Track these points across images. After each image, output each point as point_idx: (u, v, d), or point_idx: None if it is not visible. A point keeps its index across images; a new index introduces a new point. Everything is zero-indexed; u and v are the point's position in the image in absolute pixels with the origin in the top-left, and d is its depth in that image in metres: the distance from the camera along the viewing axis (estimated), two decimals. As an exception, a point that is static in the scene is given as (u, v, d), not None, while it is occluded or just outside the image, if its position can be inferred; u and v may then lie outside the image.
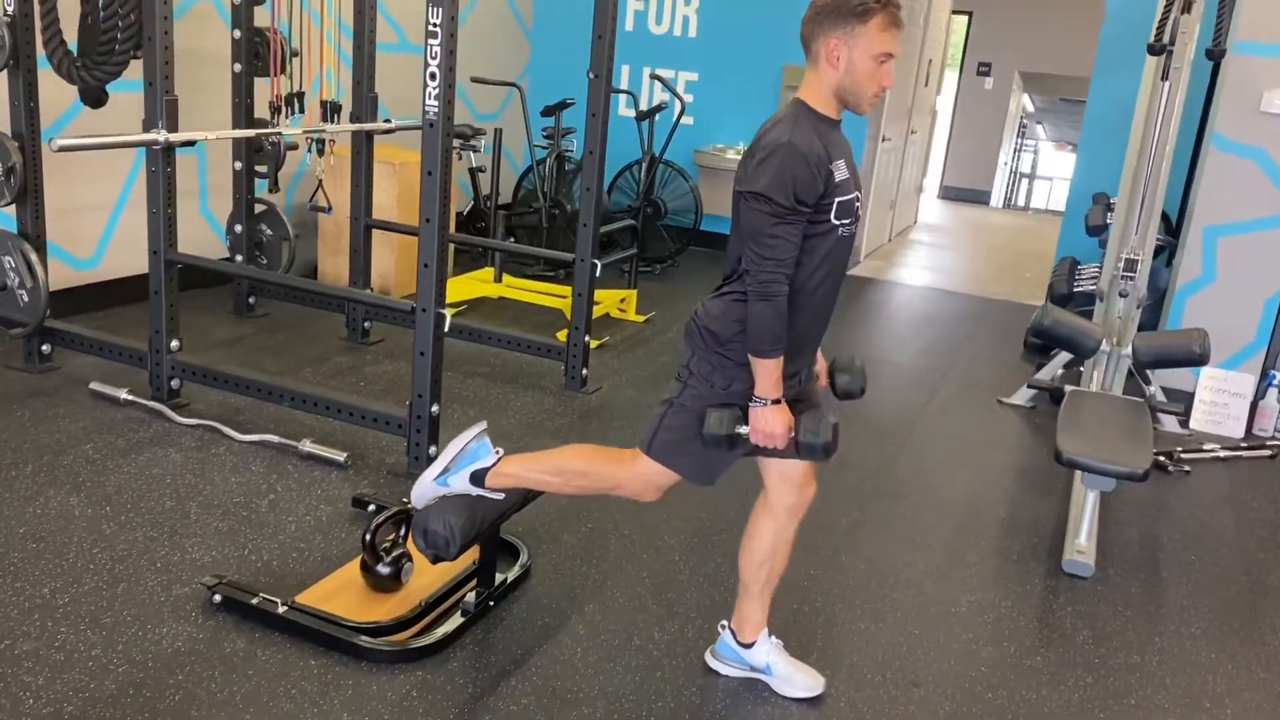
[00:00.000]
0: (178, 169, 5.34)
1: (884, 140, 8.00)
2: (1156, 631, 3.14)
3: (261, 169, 5.16)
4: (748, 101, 7.62)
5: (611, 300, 5.79)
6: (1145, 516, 3.95)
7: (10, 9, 3.85)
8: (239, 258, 5.25)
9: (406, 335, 5.05)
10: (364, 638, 2.64)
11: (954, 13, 11.53)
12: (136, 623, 2.68)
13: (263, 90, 4.95)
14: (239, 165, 5.10)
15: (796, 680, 2.65)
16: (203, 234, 5.53)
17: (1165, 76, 3.91)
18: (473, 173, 6.69)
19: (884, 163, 8.20)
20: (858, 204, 2.31)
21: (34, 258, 4.07)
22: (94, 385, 4.07)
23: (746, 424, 2.30)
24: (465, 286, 5.77)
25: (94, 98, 3.98)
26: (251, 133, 4.56)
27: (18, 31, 3.87)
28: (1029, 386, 4.46)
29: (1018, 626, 3.09)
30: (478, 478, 2.61)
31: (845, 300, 6.95)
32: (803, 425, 2.29)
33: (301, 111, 5.03)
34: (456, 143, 6.56)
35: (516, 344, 4.88)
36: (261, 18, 4.93)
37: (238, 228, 5.20)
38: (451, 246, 5.98)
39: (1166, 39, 3.81)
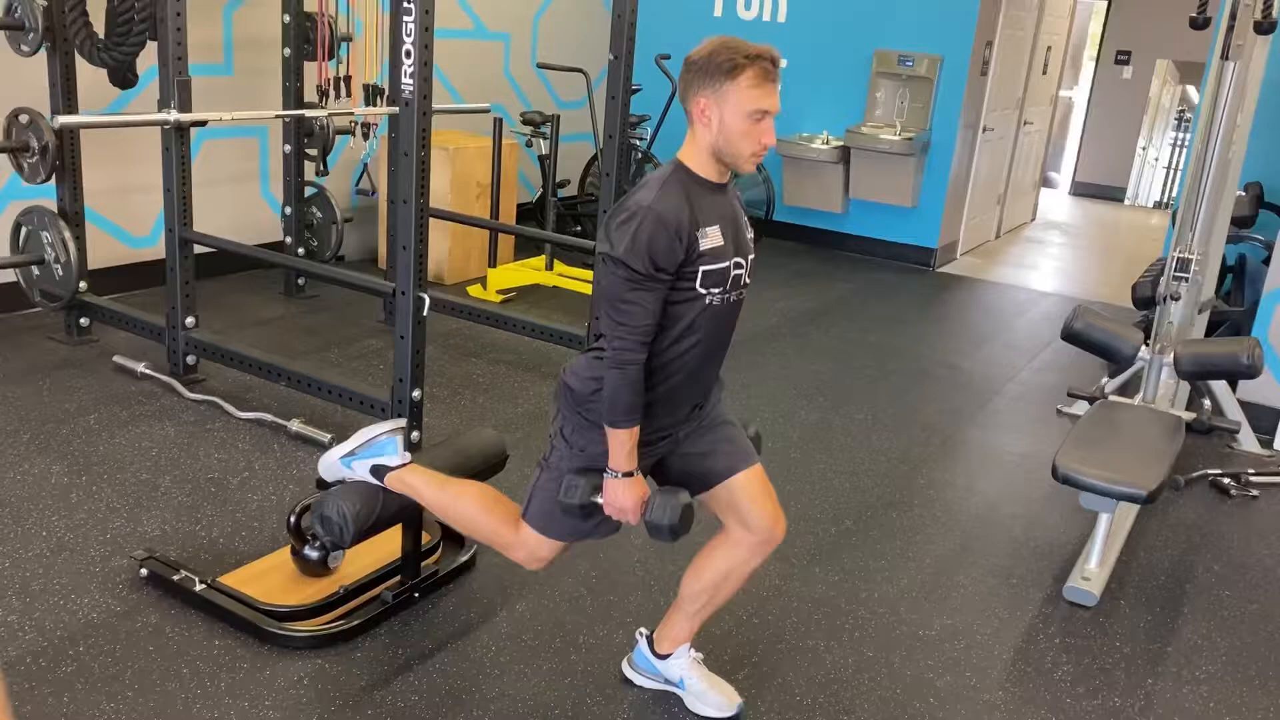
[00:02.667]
0: (239, 153, 5.54)
1: (985, 131, 7.56)
2: (1153, 673, 2.80)
3: (312, 153, 5.25)
4: (837, 89, 7.33)
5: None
6: (1183, 543, 3.56)
7: (47, -7, 4.00)
8: (289, 240, 5.35)
9: (444, 321, 5.07)
10: (269, 620, 2.60)
11: (1089, -3, 10.86)
12: (62, 592, 2.71)
13: (314, 75, 5.03)
14: (288, 149, 5.19)
15: (709, 698, 2.47)
16: (264, 216, 5.66)
17: (1227, 55, 3.49)
18: (542, 161, 6.64)
19: (986, 155, 7.75)
20: (737, 271, 2.17)
21: (68, 234, 4.22)
22: (116, 359, 4.19)
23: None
24: (516, 274, 5.73)
25: (120, 78, 4.10)
26: (270, 114, 4.63)
27: (54, 15, 4.01)
28: (1069, 395, 4.09)
29: (988, 656, 2.81)
30: (379, 472, 2.53)
31: (923, 298, 6.66)
32: (653, 504, 2.17)
33: (349, 95, 5.09)
34: (526, 130, 6.55)
35: (544, 333, 4.80)
36: (314, 3, 4.99)
37: (288, 210, 5.30)
38: (502, 235, 5.94)
39: (1217, 10, 3.39)
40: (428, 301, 3.54)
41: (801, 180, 7.40)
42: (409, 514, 2.70)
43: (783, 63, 2.09)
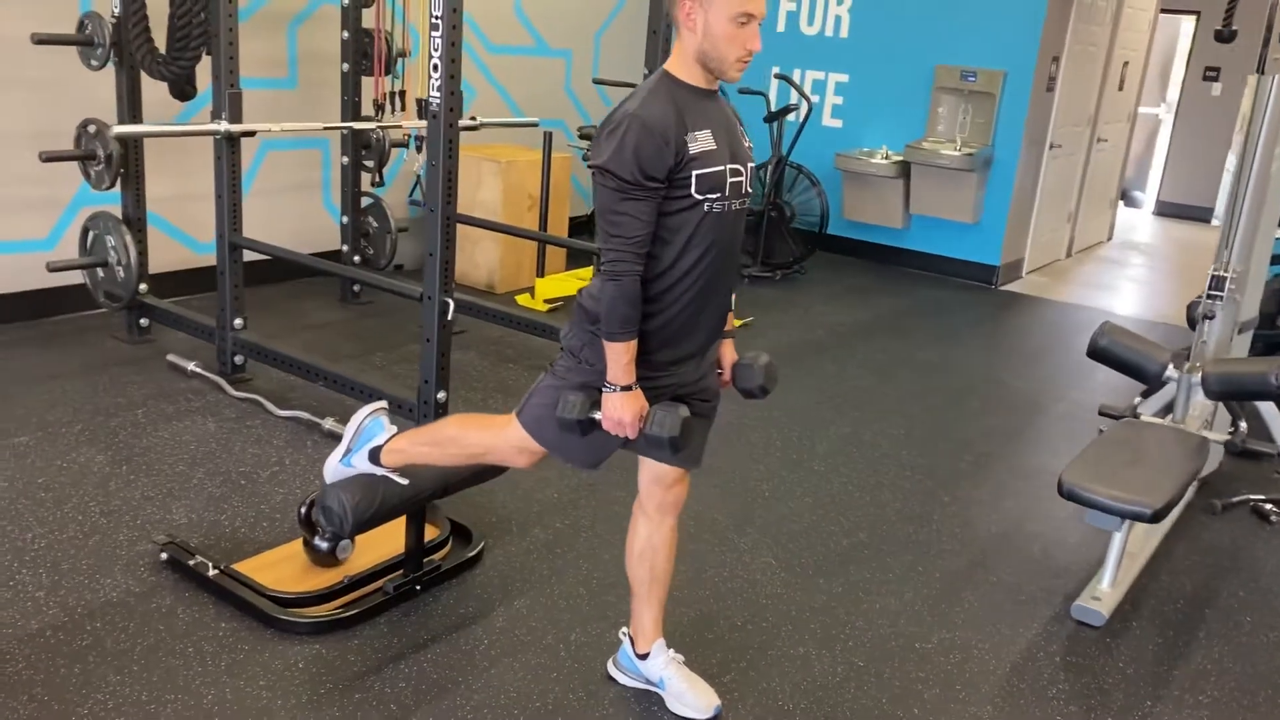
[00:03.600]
0: (302, 164, 5.76)
1: (1052, 147, 7.43)
2: (1154, 695, 2.74)
3: (369, 165, 5.43)
4: (898, 104, 7.29)
5: (703, 303, 5.68)
6: (1210, 566, 3.47)
7: (116, 11, 4.24)
8: (345, 248, 5.54)
9: (489, 328, 5.20)
10: (273, 606, 2.72)
11: (1174, 12, 10.59)
12: (88, 572, 2.87)
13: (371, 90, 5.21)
14: (346, 160, 5.38)
15: (688, 699, 2.50)
16: (325, 225, 5.87)
17: (1262, 69, 3.41)
18: (598, 173, 6.74)
19: (1053, 172, 7.61)
20: (735, 177, 2.14)
21: (129, 238, 4.45)
22: (170, 357, 4.40)
23: (600, 409, 2.20)
24: (563, 284, 5.83)
25: (180, 90, 4.31)
26: (318, 126, 4.80)
27: (122, 30, 4.25)
28: (1100, 414, 4.00)
29: (982, 671, 2.78)
30: (374, 456, 2.63)
31: (980, 316, 6.57)
32: (652, 415, 2.15)
33: (403, 109, 5.26)
34: (584, 144, 6.66)
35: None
36: (372, 19, 5.17)
37: (344, 219, 5.49)
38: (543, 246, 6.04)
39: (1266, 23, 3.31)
40: (452, 306, 3.65)
41: (861, 195, 7.37)
42: (412, 506, 2.80)
43: None
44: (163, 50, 4.21)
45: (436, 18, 3.34)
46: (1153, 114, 11.70)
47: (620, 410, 2.15)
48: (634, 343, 2.13)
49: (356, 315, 5.44)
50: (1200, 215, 11.17)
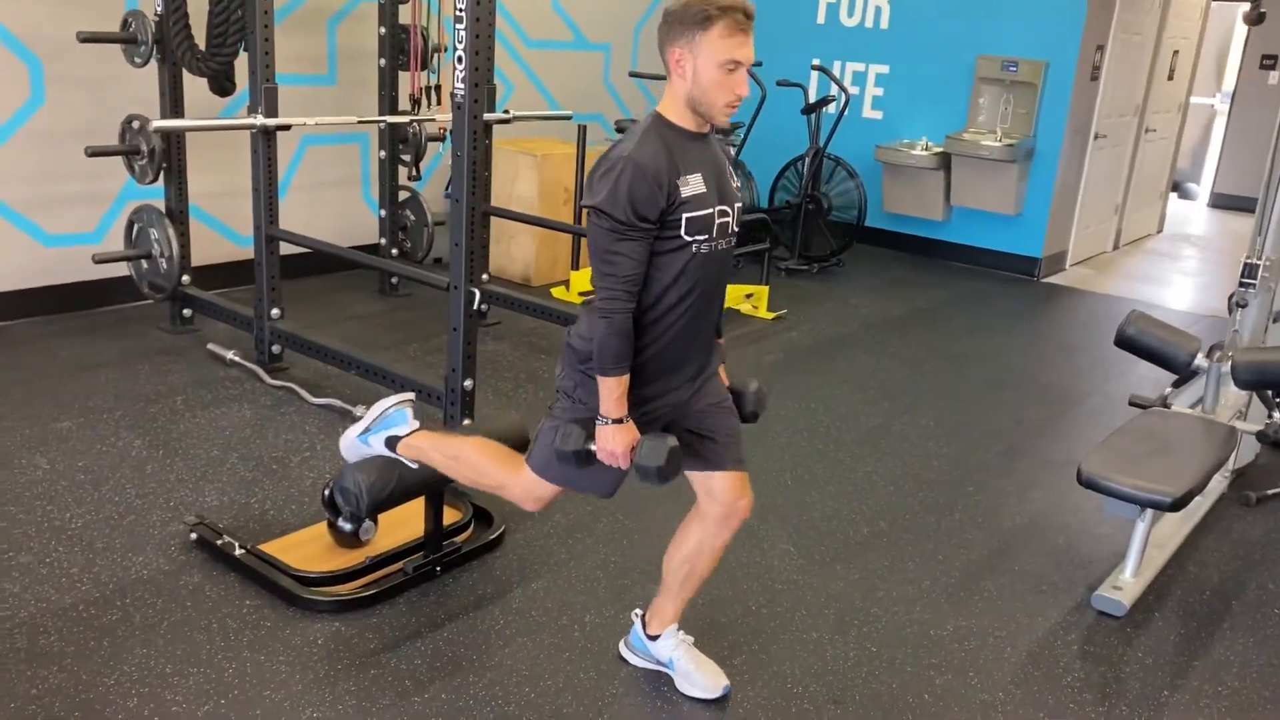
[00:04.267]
0: (342, 158, 5.87)
1: (1097, 138, 7.32)
2: (1171, 685, 2.72)
3: (406, 159, 5.52)
4: (939, 95, 7.23)
5: (736, 295, 5.69)
6: (1241, 559, 3.41)
7: (159, 9, 4.35)
8: (384, 241, 5.64)
9: (523, 320, 5.26)
10: (296, 585, 2.79)
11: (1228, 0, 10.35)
12: (121, 550, 2.97)
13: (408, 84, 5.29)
14: (384, 155, 5.47)
15: (696, 679, 2.53)
16: (365, 218, 5.97)
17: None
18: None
19: (1098, 164, 7.49)
20: (722, 219, 2.22)
21: (172, 231, 4.58)
22: (210, 346, 4.52)
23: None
24: (599, 276, 5.86)
25: (219, 86, 4.42)
26: (353, 119, 4.89)
27: (164, 29, 4.36)
28: (1130, 404, 3.94)
29: (997, 658, 2.77)
30: (391, 443, 2.69)
31: (1021, 308, 6.49)
32: (641, 446, 2.23)
33: (439, 103, 5.33)
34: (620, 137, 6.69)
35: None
36: (409, 15, 5.25)
37: (382, 213, 5.59)
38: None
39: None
40: (478, 295, 3.70)
41: (901, 187, 7.32)
42: (431, 489, 2.85)
43: (753, 12, 2.13)
44: (202, 47, 4.31)
45: (461, 10, 3.39)
46: (1207, 104, 11.47)
47: (612, 442, 2.22)
48: (625, 378, 2.20)
49: (394, 307, 5.53)
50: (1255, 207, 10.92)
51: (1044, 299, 6.77)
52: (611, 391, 2.19)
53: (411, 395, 2.79)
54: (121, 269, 4.82)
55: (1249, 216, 10.68)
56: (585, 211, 2.16)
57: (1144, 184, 8.56)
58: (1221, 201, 11.20)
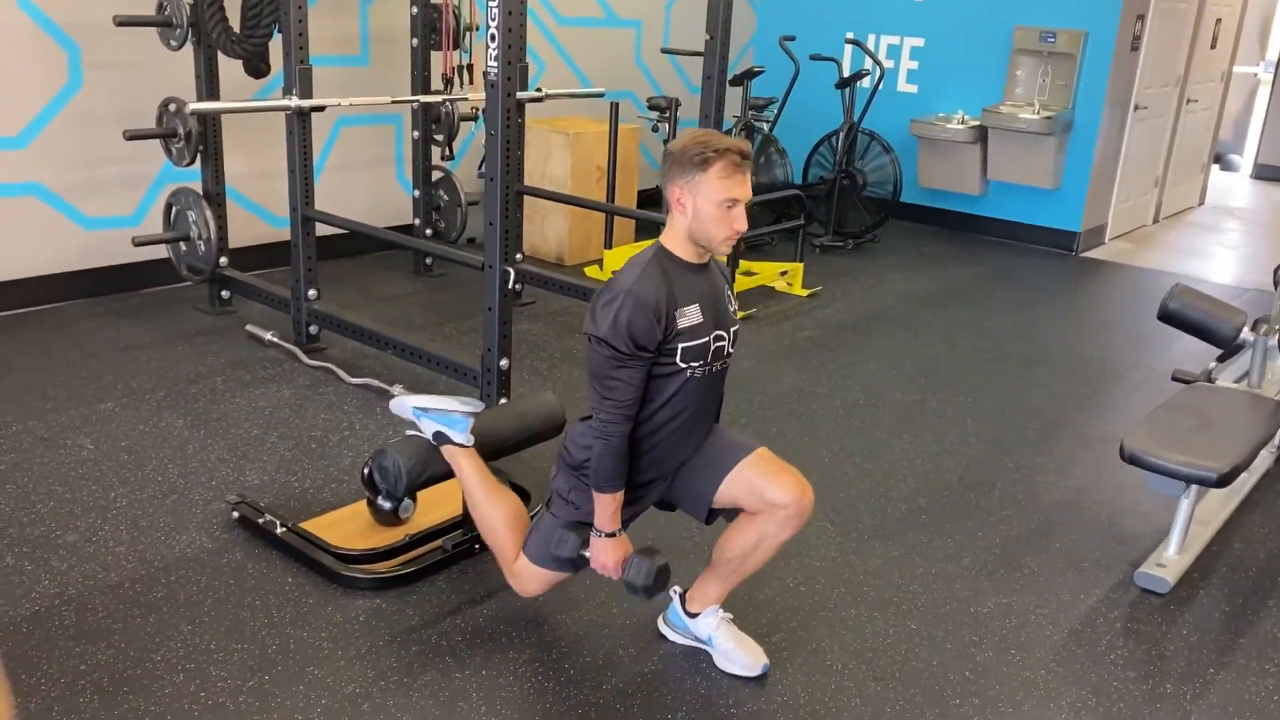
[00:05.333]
0: (376, 139, 5.88)
1: (1137, 109, 7.19)
2: (1217, 663, 2.68)
3: (439, 139, 5.52)
4: (975, 67, 7.14)
5: (771, 272, 5.66)
6: (1287, 536, 3.36)
7: (193, -8, 4.38)
8: (418, 221, 5.65)
9: (557, 300, 5.26)
10: (338, 563, 2.81)
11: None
12: (165, 529, 3.01)
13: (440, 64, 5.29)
14: (417, 135, 5.48)
15: (736, 656, 2.53)
16: (399, 199, 5.99)
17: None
18: (666, 144, 6.74)
19: (1138, 135, 7.36)
20: (718, 343, 2.33)
21: (209, 213, 4.61)
22: (249, 327, 4.55)
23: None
24: (631, 255, 5.84)
25: (254, 68, 4.44)
26: (386, 99, 4.89)
27: (199, 11, 4.38)
28: (1174, 379, 3.88)
29: (1038, 635, 2.75)
30: (440, 439, 2.71)
31: (1059, 283, 6.42)
32: (631, 564, 2.36)
33: (471, 83, 5.33)
34: (653, 115, 6.67)
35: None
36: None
37: (416, 193, 5.60)
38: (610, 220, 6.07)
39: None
40: (513, 274, 3.70)
41: (937, 161, 7.24)
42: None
43: (749, 155, 2.25)
44: (236, 29, 4.33)
45: (494, -12, 3.38)
46: (1251, 73, 11.23)
47: (605, 555, 2.37)
48: (620, 494, 2.32)
49: (429, 287, 5.55)
50: (1302, 178, 10.71)
51: (1082, 274, 6.68)
52: (607, 507, 2.33)
53: (480, 407, 2.77)
54: (160, 251, 4.86)
55: (1294, 188, 10.49)
56: (586, 338, 2.27)
57: (1185, 156, 8.41)
58: (1266, 173, 10.98)
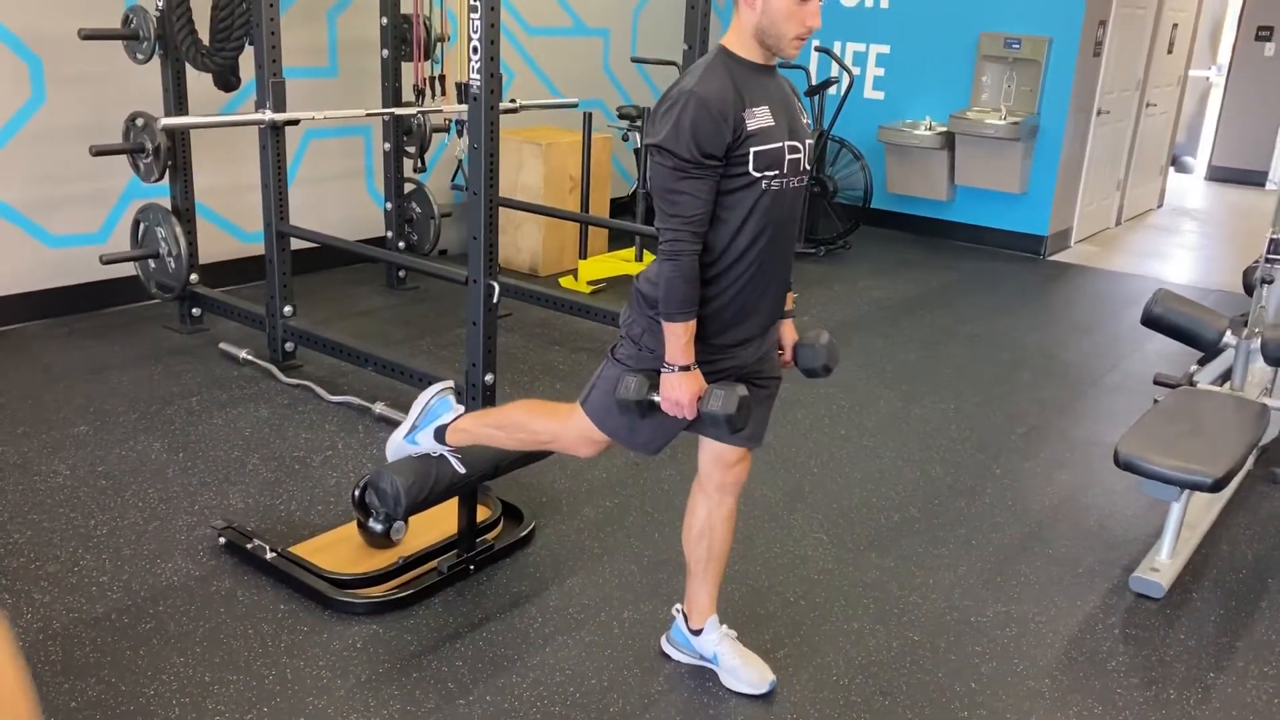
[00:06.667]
0: (345, 151, 5.80)
1: (1100, 114, 7.28)
2: (1216, 667, 2.70)
3: (411, 150, 5.46)
4: (941, 74, 7.19)
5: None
6: (1273, 536, 3.40)
7: (160, 5, 4.28)
8: (390, 234, 5.58)
9: (533, 311, 5.22)
10: (331, 588, 2.75)
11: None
12: (150, 557, 2.93)
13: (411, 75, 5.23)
14: (388, 147, 5.41)
15: (742, 674, 2.50)
16: (370, 212, 5.91)
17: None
18: (638, 154, 6.72)
19: (1101, 140, 7.46)
20: (793, 155, 2.13)
21: (179, 229, 4.51)
22: (222, 345, 4.46)
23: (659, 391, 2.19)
24: (606, 265, 5.82)
25: (224, 81, 4.35)
26: (360, 113, 4.83)
27: (166, 24, 4.29)
28: (1155, 383, 3.93)
29: (1040, 643, 2.75)
30: (440, 434, 2.65)
31: (1029, 287, 6.48)
32: (710, 394, 2.14)
33: (444, 94, 5.27)
34: (623, 124, 6.65)
35: (628, 321, 4.87)
36: (410, 5, 5.17)
37: (388, 206, 5.53)
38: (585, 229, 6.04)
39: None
40: (497, 289, 3.65)
41: (905, 167, 7.28)
42: (464, 488, 2.82)
43: None
44: (206, 42, 4.25)
45: (475, 0, 3.33)
46: (1203, 77, 11.43)
47: (678, 390, 2.14)
48: (693, 323, 2.12)
49: (403, 301, 5.48)
50: (1254, 179, 10.91)
51: (1052, 277, 6.75)
52: (679, 337, 2.11)
53: (450, 382, 2.74)
54: (127, 269, 4.76)
55: (1247, 189, 10.71)
56: (647, 150, 2.09)
57: (1145, 159, 8.53)
58: (1219, 174, 11.19)
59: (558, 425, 2.43)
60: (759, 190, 2.10)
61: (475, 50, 3.40)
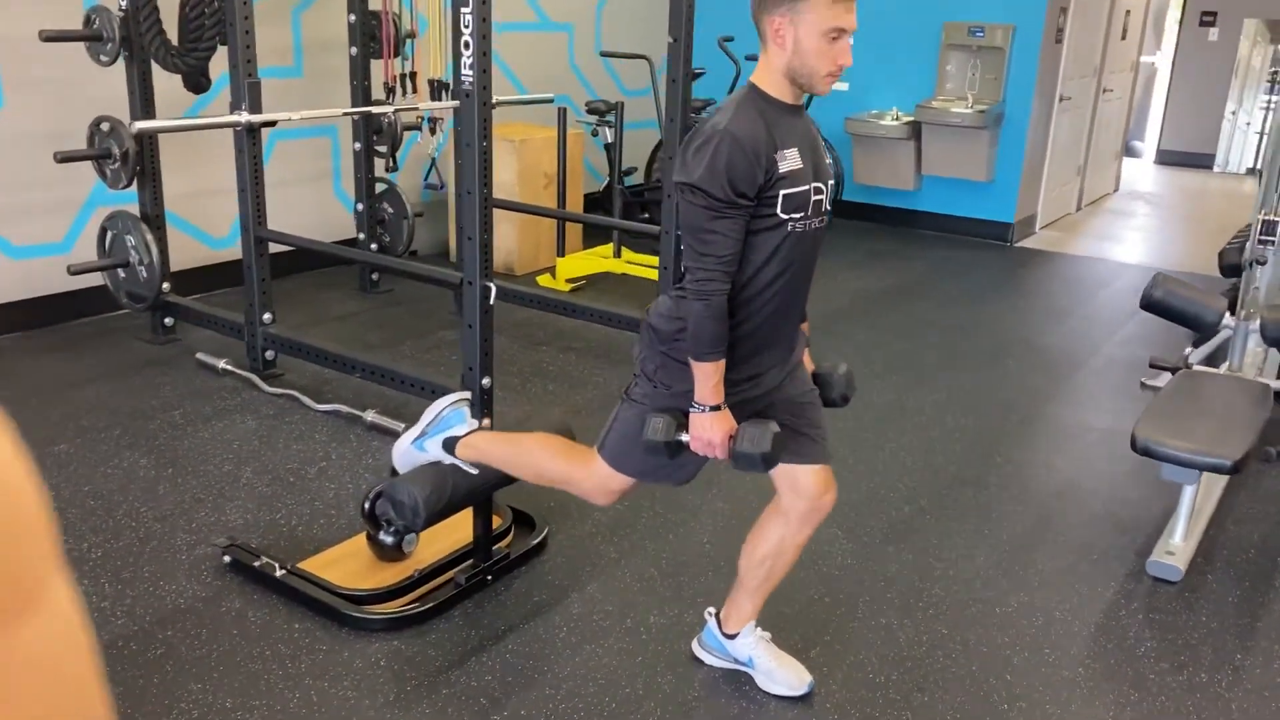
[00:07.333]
0: (311, 153, 5.66)
1: (1062, 100, 7.36)
2: (1241, 648, 2.72)
3: (382, 150, 5.34)
4: (906, 63, 7.21)
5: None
6: (1276, 515, 3.44)
7: (124, 5, 4.13)
8: (362, 236, 5.46)
9: (515, 311, 5.12)
10: (347, 604, 2.66)
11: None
12: (151, 579, 2.81)
13: (380, 73, 5.11)
14: (358, 146, 5.29)
15: (779, 676, 2.46)
16: (338, 214, 5.78)
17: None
18: (608, 149, 6.65)
19: (1063, 126, 7.54)
20: (818, 196, 2.11)
21: (150, 237, 4.36)
22: (199, 356, 4.32)
23: (688, 430, 2.16)
24: (585, 262, 5.75)
25: (194, 82, 4.22)
26: (338, 112, 4.72)
27: (130, 25, 4.14)
28: (1151, 366, 3.97)
29: (1068, 632, 2.75)
30: (449, 445, 2.57)
31: (1001, 274, 6.52)
32: (742, 433, 2.11)
33: (414, 91, 5.17)
34: (592, 119, 6.57)
35: (613, 320, 4.81)
36: (379, 1, 5.06)
37: (359, 206, 5.40)
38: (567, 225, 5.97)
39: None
40: (494, 290, 3.57)
41: (872, 158, 7.30)
42: (479, 497, 2.75)
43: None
44: (175, 42, 4.10)
45: (466, -6, 3.25)
46: (1149, 62, 11.64)
47: (710, 431, 2.11)
48: (722, 362, 2.09)
49: (378, 304, 5.36)
50: (1201, 162, 11.13)
51: (1021, 264, 6.81)
52: (709, 377, 2.08)
53: (466, 394, 2.67)
54: (95, 279, 4.59)
55: (1195, 172, 10.92)
56: (677, 188, 2.04)
57: (1102, 144, 8.65)
58: (1168, 158, 11.40)
59: (573, 470, 2.39)
60: (785, 232, 2.08)
61: (468, 46, 3.32)
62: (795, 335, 2.29)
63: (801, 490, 2.29)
